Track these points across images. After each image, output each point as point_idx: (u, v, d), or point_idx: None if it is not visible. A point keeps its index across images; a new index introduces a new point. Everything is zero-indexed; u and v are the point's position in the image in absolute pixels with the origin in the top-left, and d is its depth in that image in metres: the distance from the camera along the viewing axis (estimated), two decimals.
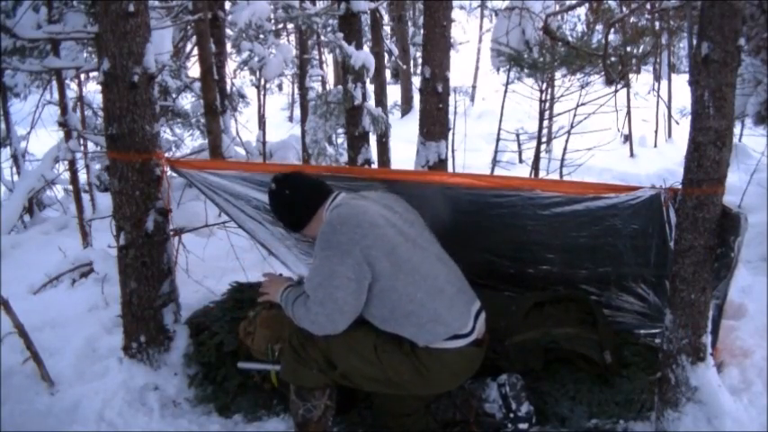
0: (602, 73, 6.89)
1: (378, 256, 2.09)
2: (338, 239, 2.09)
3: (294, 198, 2.29)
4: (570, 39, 7.17)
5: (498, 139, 7.76)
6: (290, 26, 9.06)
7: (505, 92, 7.52)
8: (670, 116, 10.81)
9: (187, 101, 8.28)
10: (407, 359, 2.18)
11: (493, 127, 8.39)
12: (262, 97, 8.06)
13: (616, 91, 8.14)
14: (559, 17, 7.34)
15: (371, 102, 5.71)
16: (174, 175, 2.90)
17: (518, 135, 9.16)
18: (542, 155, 7.58)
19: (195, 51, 6.81)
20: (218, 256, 4.24)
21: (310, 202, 2.29)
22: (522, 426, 2.38)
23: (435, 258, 2.27)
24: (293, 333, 2.27)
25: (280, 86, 18.56)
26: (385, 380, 2.22)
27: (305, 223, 2.31)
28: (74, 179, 5.45)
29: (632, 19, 8.87)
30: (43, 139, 6.65)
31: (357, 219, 2.12)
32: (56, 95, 5.58)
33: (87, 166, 6.37)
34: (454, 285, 2.27)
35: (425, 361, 2.18)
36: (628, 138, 10.17)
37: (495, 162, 7.54)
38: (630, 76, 10.08)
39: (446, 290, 2.21)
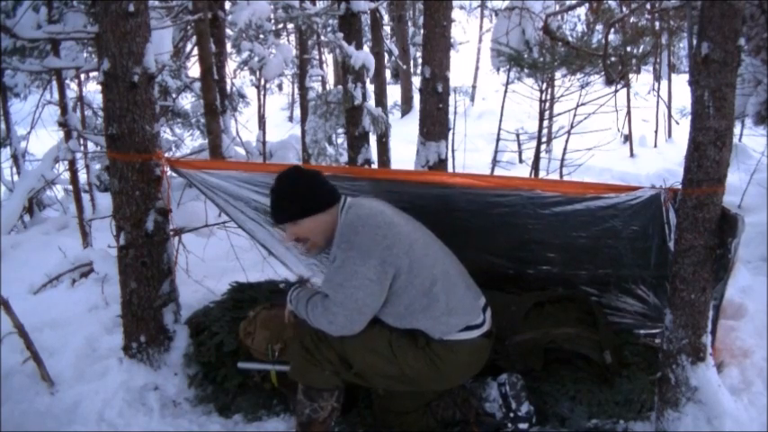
0: (602, 73, 6.89)
1: (398, 254, 2.10)
2: (360, 240, 2.09)
3: (318, 182, 2.28)
4: (570, 39, 7.17)
5: (498, 139, 7.77)
6: (290, 26, 9.04)
7: (505, 92, 7.53)
8: (670, 116, 10.82)
9: (187, 101, 8.29)
10: (422, 353, 2.19)
11: (493, 127, 8.40)
12: (262, 97, 8.07)
13: (616, 91, 8.14)
14: (559, 17, 7.34)
15: (371, 102, 5.71)
16: (174, 175, 2.89)
17: (518, 135, 9.17)
18: (542, 155, 7.58)
19: (195, 51, 6.81)
20: (218, 256, 4.24)
21: (331, 194, 2.27)
22: (522, 425, 2.38)
23: (444, 254, 2.30)
24: (306, 333, 2.26)
25: (280, 86, 18.57)
26: (400, 376, 2.22)
27: (321, 210, 2.22)
28: (74, 179, 5.46)
29: (632, 19, 8.86)
30: (43, 139, 6.65)
31: (376, 219, 2.13)
32: (56, 95, 5.59)
33: (87, 166, 6.38)
34: (463, 280, 2.30)
35: (440, 353, 2.19)
36: (628, 138, 10.18)
37: (495, 162, 7.55)
38: (630, 76, 10.09)
39: (458, 284, 2.24)
